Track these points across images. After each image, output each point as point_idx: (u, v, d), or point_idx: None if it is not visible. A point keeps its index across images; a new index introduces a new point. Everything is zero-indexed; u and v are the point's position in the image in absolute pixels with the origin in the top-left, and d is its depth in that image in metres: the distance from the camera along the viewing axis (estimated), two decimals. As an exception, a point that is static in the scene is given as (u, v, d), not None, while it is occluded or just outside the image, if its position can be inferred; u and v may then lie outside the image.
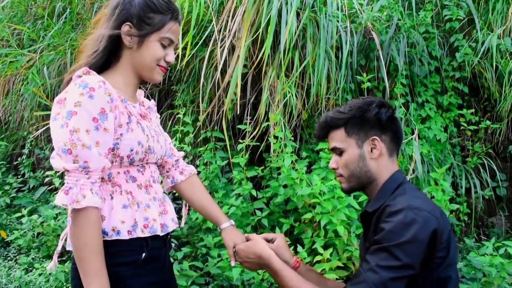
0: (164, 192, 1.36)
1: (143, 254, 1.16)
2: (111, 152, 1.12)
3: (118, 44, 1.18)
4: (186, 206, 1.59)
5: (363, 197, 2.30)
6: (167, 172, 1.46)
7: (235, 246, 1.37)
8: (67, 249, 1.15)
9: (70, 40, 3.57)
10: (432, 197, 2.41)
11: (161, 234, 1.22)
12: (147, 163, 1.24)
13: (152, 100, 1.41)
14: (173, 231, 1.34)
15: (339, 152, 1.26)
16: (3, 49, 3.86)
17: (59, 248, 1.17)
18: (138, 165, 1.20)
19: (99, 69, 1.17)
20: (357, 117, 1.22)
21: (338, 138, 1.25)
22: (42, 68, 3.60)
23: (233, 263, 1.39)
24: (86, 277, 1.05)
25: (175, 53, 1.34)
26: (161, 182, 1.43)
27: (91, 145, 1.05)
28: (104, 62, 1.19)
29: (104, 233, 1.11)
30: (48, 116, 3.43)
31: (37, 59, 3.65)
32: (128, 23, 1.16)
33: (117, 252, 1.13)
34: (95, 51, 1.16)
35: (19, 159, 3.92)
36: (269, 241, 1.39)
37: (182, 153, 1.51)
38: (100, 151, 1.07)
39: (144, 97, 1.39)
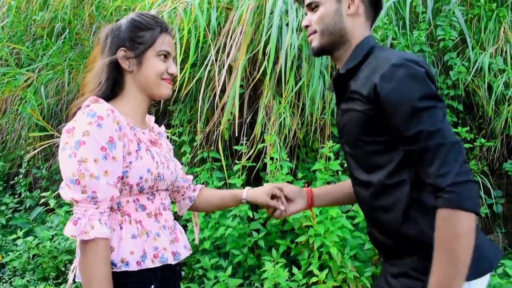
0: (180, 218, 1.35)
1: (152, 287, 1.15)
2: (120, 181, 1.11)
3: (119, 71, 1.20)
4: (197, 225, 1.57)
5: (358, 219, 2.30)
6: (183, 195, 1.45)
7: (275, 193, 1.41)
8: (76, 280, 1.14)
9: (69, 59, 3.60)
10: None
11: (173, 262, 1.20)
12: (157, 191, 1.22)
13: (162, 126, 1.41)
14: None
15: (314, 6, 1.19)
16: (1, 68, 3.88)
17: (70, 280, 1.17)
18: (147, 193, 1.19)
19: (107, 98, 1.18)
20: None
21: None
22: (40, 88, 3.62)
23: (282, 208, 1.41)
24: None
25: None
26: (174, 208, 1.43)
27: (99, 175, 1.05)
28: (111, 92, 1.20)
29: (113, 264, 1.10)
30: (45, 137, 3.45)
31: (35, 78, 3.68)
32: (122, 48, 1.18)
33: (126, 284, 1.11)
34: (99, 83, 1.18)
35: (15, 178, 3.91)
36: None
37: (191, 176, 1.52)
38: (109, 181, 1.07)
39: None
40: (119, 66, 1.19)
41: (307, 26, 1.22)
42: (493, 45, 2.96)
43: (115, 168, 1.08)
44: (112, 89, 1.20)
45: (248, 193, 1.41)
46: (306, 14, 1.24)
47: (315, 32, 1.20)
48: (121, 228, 1.13)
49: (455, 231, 0.93)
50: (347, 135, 1.16)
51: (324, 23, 1.17)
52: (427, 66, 1.06)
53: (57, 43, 3.67)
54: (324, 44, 1.19)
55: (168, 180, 1.25)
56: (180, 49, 2.52)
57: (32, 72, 3.75)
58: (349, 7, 1.16)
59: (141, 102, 1.23)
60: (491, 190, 3.04)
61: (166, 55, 1.21)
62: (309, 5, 1.21)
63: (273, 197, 1.40)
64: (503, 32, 2.97)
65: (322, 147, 2.55)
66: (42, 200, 3.36)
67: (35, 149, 3.30)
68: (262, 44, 2.57)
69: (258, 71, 2.63)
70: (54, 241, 3.01)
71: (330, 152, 2.46)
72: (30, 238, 2.93)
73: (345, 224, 2.17)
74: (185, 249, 1.27)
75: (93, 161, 1.05)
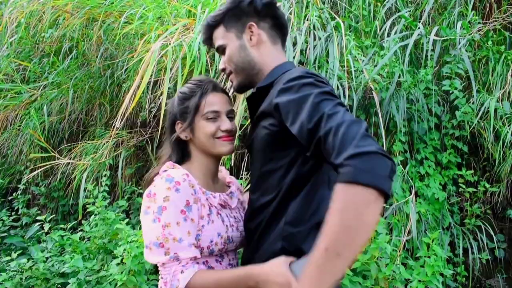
0: None
1: None
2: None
3: (183, 142, 1.29)
4: None
5: (356, 264, 2.26)
6: None
7: None
8: None
9: (75, 79, 3.61)
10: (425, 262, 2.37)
11: None
12: (225, 252, 1.26)
13: (237, 182, 1.44)
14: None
15: (222, 49, 1.24)
16: (5, 84, 3.90)
17: None
18: (216, 255, 1.23)
19: (180, 162, 1.28)
20: (233, 9, 1.21)
21: (219, 35, 1.24)
22: (44, 105, 3.62)
23: None
24: None
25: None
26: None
27: (182, 238, 1.11)
28: (181, 160, 1.30)
29: None
30: (44, 158, 3.44)
31: (39, 96, 3.68)
32: (177, 121, 1.29)
33: None
34: (169, 156, 1.30)
35: (14, 194, 3.89)
36: None
37: None
38: (190, 241, 1.12)
39: None
40: (181, 139, 1.28)
41: (223, 69, 1.27)
42: (500, 89, 2.94)
43: (193, 230, 1.14)
44: (182, 157, 1.29)
45: None
46: None
47: (231, 72, 1.25)
48: None
49: (343, 204, 0.80)
50: (254, 152, 1.18)
51: (234, 62, 1.22)
52: (326, 80, 1.08)
53: (64, 63, 3.68)
54: (241, 80, 1.24)
55: (237, 242, 1.28)
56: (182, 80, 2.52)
57: (37, 90, 3.76)
58: (250, 39, 1.20)
59: (207, 164, 1.29)
60: (495, 233, 2.99)
61: (213, 115, 1.24)
62: (217, 49, 1.26)
63: None
64: (511, 76, 2.95)
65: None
66: (39, 218, 3.33)
67: (35, 169, 3.28)
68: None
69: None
70: (48, 263, 2.97)
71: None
72: (23, 260, 2.89)
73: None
74: None
75: (176, 224, 1.11)
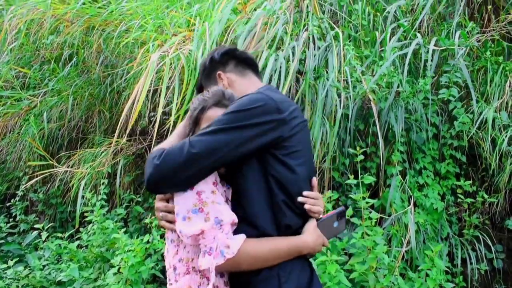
0: None
1: None
2: None
3: None
4: None
5: (354, 274, 2.25)
6: None
7: None
8: None
9: (74, 86, 3.62)
10: (427, 275, 2.36)
11: None
12: None
13: None
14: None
15: None
16: (5, 91, 3.90)
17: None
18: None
19: None
20: (203, 73, 1.46)
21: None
22: (43, 111, 3.63)
23: None
24: (278, 259, 1.16)
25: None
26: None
27: (220, 202, 1.13)
28: None
29: None
30: (43, 165, 3.44)
31: (39, 103, 3.69)
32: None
33: None
34: None
35: (12, 200, 3.88)
36: None
37: None
38: (226, 207, 1.14)
39: None
40: None
41: None
42: (498, 99, 2.95)
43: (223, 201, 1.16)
44: None
45: None
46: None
47: None
48: None
49: None
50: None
51: None
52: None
53: (64, 70, 3.69)
54: None
55: None
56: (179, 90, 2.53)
57: (37, 97, 3.77)
58: (223, 84, 1.40)
59: None
60: (493, 244, 2.98)
61: None
62: None
63: None
64: (509, 86, 2.95)
65: (323, 196, 2.52)
66: (37, 226, 3.32)
67: (33, 177, 3.28)
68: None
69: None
70: (44, 271, 2.96)
71: (328, 202, 2.42)
72: (20, 268, 2.88)
73: (343, 281, 2.11)
74: None
75: (211, 193, 1.12)
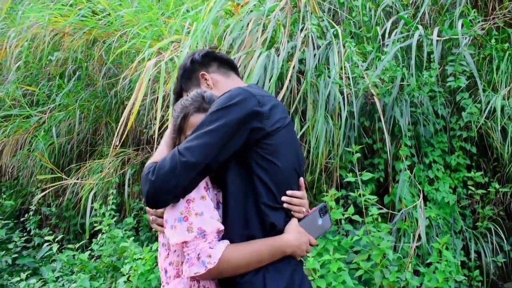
0: None
1: None
2: None
3: None
4: None
5: (360, 271, 2.21)
6: None
7: None
8: None
9: (81, 99, 3.67)
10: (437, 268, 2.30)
11: None
12: None
13: None
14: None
15: None
16: (14, 110, 3.98)
17: None
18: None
19: None
20: (183, 75, 1.44)
21: None
22: (52, 126, 3.69)
23: None
24: (261, 263, 1.15)
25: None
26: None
27: (203, 212, 1.12)
28: None
29: None
30: (54, 179, 3.48)
31: (47, 118, 3.75)
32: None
33: None
34: None
35: (26, 215, 3.94)
36: None
37: None
38: (212, 215, 1.14)
39: None
40: None
41: None
42: (506, 87, 2.88)
43: (213, 207, 1.16)
44: None
45: None
46: None
47: None
48: None
49: None
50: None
51: None
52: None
53: (68, 85, 3.75)
54: None
55: None
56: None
57: (44, 113, 3.84)
58: (207, 85, 1.40)
59: None
60: (509, 235, 2.90)
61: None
62: None
63: None
64: (516, 73, 2.88)
65: (326, 195, 2.49)
66: (47, 237, 3.37)
67: (45, 190, 3.33)
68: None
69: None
70: (58, 282, 2.99)
71: (332, 201, 2.39)
72: (33, 281, 2.92)
73: (347, 280, 2.07)
74: None
75: (200, 199, 1.13)
